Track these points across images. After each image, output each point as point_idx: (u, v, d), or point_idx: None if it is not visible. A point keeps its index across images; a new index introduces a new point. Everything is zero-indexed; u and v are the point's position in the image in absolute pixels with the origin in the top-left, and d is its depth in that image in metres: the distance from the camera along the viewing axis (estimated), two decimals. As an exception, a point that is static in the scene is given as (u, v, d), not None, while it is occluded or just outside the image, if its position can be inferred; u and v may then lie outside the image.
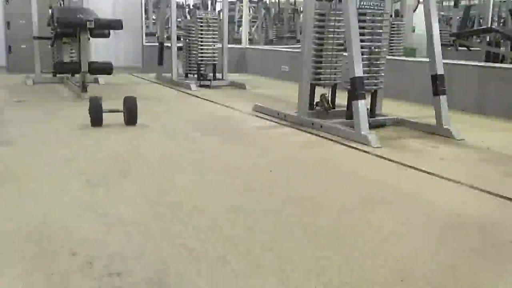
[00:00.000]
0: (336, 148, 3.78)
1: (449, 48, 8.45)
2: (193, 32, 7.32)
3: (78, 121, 4.46)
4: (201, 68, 7.42)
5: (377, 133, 4.05)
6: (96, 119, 4.26)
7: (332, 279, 1.74)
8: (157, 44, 8.41)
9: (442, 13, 11.80)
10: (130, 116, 4.34)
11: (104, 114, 4.28)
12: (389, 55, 5.82)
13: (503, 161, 3.53)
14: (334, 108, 4.75)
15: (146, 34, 10.89)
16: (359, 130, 3.93)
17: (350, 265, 1.85)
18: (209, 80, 7.31)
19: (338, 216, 2.38)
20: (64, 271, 1.75)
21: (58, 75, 7.21)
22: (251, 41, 11.95)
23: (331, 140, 3.99)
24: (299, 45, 5.13)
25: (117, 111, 4.33)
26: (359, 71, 4.04)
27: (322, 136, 4.10)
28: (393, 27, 7.47)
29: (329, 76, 4.68)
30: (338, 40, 4.61)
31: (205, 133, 4.27)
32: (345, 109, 4.49)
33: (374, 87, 4.49)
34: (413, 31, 8.70)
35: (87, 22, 5.62)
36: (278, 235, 2.12)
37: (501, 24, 10.98)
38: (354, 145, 3.79)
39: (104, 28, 6.26)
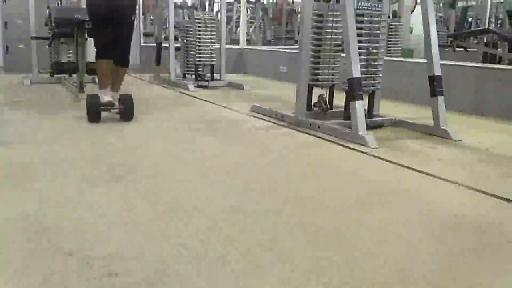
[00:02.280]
0: (334, 149, 3.79)
1: (446, 49, 8.48)
2: (191, 32, 7.33)
3: (75, 121, 4.47)
4: (199, 69, 7.42)
5: (375, 134, 4.06)
6: (95, 115, 4.37)
7: (332, 279, 1.75)
8: (154, 44, 8.42)
9: (440, 14, 11.83)
10: (126, 112, 4.50)
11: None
12: (386, 56, 5.83)
13: (501, 162, 3.54)
14: (331, 109, 4.77)
15: (144, 35, 10.91)
16: (356, 131, 3.94)
17: (350, 265, 1.86)
18: (207, 80, 7.31)
19: (338, 216, 2.39)
20: (63, 271, 1.75)
21: (55, 75, 7.20)
22: (249, 41, 11.96)
23: (329, 140, 4.00)
24: (297, 46, 5.14)
25: (113, 107, 4.51)
26: (356, 72, 4.05)
27: (320, 137, 4.11)
28: (391, 28, 7.50)
29: (327, 77, 4.68)
30: (336, 41, 4.63)
31: (203, 133, 4.28)
32: (342, 110, 4.50)
33: (371, 88, 4.50)
34: (411, 32, 8.73)
35: (85, 22, 5.61)
36: (278, 235, 2.13)
37: (498, 25, 11.01)
38: (351, 145, 3.81)
39: (102, 28, 6.23)
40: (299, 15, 13.13)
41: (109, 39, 4.62)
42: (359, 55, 4.16)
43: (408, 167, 3.24)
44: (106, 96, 4.60)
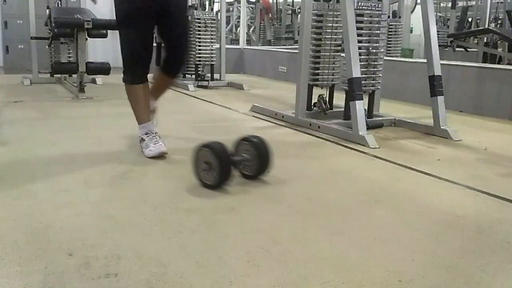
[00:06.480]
0: (334, 149, 3.79)
1: (446, 49, 8.49)
2: (191, 32, 7.32)
3: (75, 121, 4.47)
4: (199, 69, 7.43)
5: (375, 134, 4.06)
6: (225, 176, 2.64)
7: (331, 279, 1.74)
8: (154, 44, 8.42)
9: (440, 14, 11.83)
10: (261, 166, 2.82)
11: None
12: (386, 56, 5.83)
13: (501, 161, 3.54)
14: (331, 109, 4.77)
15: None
16: (356, 131, 3.94)
17: (348, 266, 1.85)
18: (207, 80, 7.32)
19: (337, 216, 2.39)
20: (63, 271, 1.75)
21: (55, 76, 7.21)
22: (249, 42, 11.96)
23: (329, 140, 4.00)
24: (297, 46, 5.14)
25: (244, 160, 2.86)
26: (356, 72, 4.06)
27: (319, 137, 4.11)
28: (391, 28, 7.51)
29: (326, 77, 4.69)
30: (336, 41, 4.63)
31: (203, 133, 4.27)
32: (342, 110, 4.50)
33: (371, 88, 4.50)
34: (411, 32, 8.73)
35: (85, 22, 5.62)
36: (276, 235, 2.12)
37: (498, 25, 11.01)
38: (351, 145, 3.81)
39: (101, 28, 6.26)
40: (299, 15, 13.12)
41: (146, 49, 3.37)
42: (359, 55, 4.16)
43: (408, 167, 3.24)
44: (154, 145, 3.27)
